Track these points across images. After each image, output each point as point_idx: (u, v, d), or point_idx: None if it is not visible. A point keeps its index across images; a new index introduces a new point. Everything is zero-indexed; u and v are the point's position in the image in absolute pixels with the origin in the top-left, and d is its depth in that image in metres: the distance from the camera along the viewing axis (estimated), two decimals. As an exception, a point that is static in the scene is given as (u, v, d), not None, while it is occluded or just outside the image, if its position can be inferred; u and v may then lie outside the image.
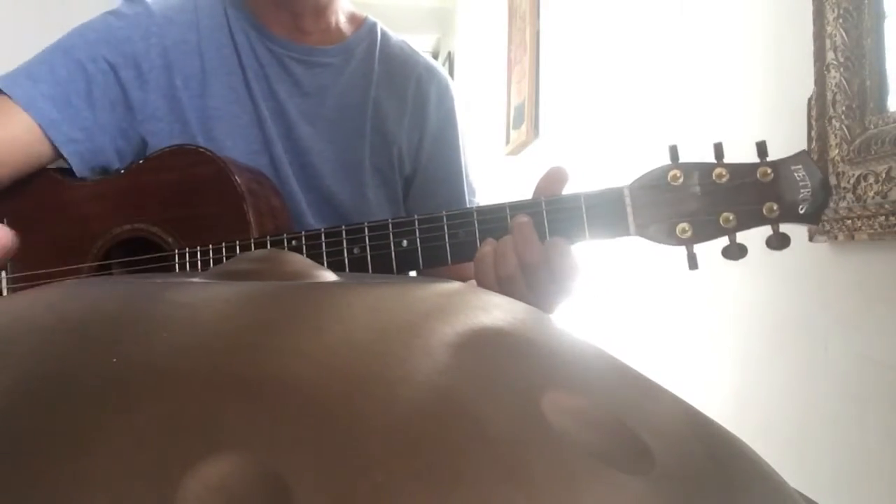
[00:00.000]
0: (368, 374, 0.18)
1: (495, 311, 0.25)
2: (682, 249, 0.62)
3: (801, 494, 0.24)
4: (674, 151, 0.63)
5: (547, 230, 0.63)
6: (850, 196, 0.92)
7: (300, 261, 0.28)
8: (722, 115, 1.26)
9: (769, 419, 1.12)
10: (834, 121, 0.95)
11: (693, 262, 0.63)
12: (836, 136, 0.95)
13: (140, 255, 0.79)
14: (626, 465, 0.17)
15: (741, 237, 0.62)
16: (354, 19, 0.95)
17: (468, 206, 0.94)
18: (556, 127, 2.29)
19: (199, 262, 0.75)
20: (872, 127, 0.90)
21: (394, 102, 0.92)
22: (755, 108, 1.17)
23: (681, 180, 0.62)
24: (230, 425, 0.16)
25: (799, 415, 1.06)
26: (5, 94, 0.79)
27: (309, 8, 0.87)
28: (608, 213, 0.63)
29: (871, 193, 0.88)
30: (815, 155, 0.97)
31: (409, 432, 0.16)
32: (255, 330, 0.21)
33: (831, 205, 0.94)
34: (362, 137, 0.90)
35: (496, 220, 0.65)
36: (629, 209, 0.62)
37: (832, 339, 0.99)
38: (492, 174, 2.89)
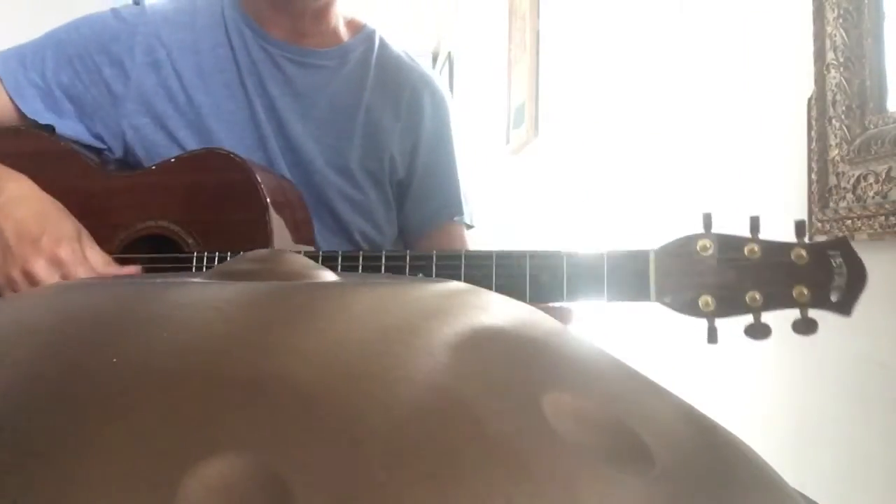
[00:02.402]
0: (368, 373, 0.18)
1: (496, 310, 0.25)
2: (703, 321, 0.59)
3: (801, 494, 0.24)
4: (707, 220, 0.59)
5: (565, 287, 0.62)
6: (850, 196, 0.92)
7: (299, 261, 0.28)
8: (721, 114, 1.26)
9: (769, 419, 1.12)
10: (834, 121, 0.95)
11: (713, 336, 0.59)
12: (836, 136, 0.94)
13: (161, 252, 0.79)
14: (626, 465, 0.17)
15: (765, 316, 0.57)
16: (353, 25, 0.97)
17: (463, 212, 0.96)
18: (556, 127, 2.29)
19: None
20: (872, 127, 0.90)
21: (387, 109, 0.94)
22: (755, 108, 1.17)
23: (710, 251, 0.59)
24: (230, 426, 0.16)
25: (799, 415, 1.06)
26: None
27: (308, 11, 0.89)
28: (630, 275, 0.61)
29: (871, 193, 0.88)
30: (815, 155, 0.97)
31: (409, 432, 0.16)
32: (255, 330, 0.21)
33: (830, 205, 0.94)
34: (351, 140, 0.92)
35: (513, 266, 0.64)
36: (652, 274, 0.60)
37: (832, 339, 0.99)
38: (492, 174, 2.89)
